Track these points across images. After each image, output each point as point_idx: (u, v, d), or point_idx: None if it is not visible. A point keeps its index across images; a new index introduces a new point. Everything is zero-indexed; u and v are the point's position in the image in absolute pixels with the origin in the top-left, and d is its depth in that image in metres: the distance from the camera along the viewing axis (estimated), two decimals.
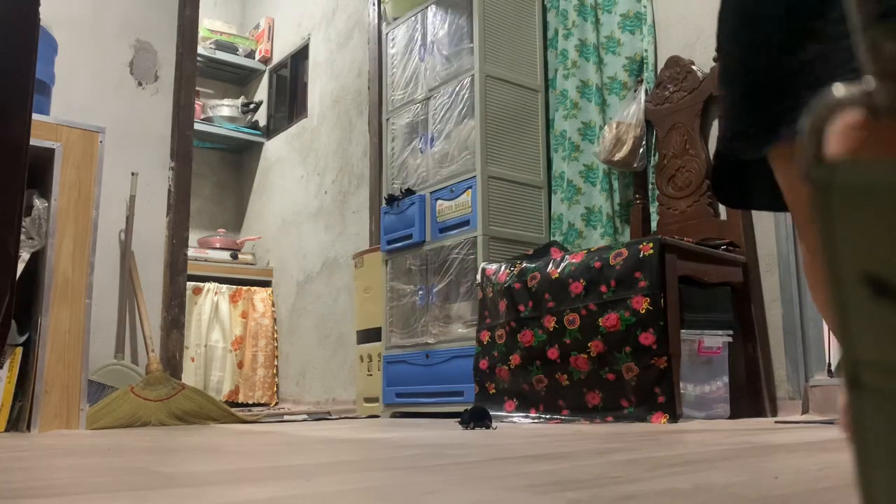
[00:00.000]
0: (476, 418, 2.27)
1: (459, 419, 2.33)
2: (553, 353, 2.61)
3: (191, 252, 4.27)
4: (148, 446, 1.76)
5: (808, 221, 0.63)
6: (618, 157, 3.10)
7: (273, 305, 5.40)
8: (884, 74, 0.29)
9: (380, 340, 3.67)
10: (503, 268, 2.91)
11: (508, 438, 1.78)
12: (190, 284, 4.38)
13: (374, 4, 4.69)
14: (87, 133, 2.76)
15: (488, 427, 2.24)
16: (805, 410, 2.58)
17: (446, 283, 3.35)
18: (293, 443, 1.82)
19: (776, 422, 2.32)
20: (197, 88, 4.26)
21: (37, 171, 2.67)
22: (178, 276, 3.59)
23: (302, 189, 5.27)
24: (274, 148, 5.74)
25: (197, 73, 4.02)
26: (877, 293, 0.28)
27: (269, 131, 5.86)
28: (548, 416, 2.61)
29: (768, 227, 2.75)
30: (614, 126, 3.14)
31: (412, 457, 1.34)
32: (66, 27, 3.38)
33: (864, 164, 0.29)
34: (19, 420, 2.49)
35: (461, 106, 3.39)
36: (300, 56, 5.60)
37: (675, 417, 2.29)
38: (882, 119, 0.30)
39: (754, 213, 2.79)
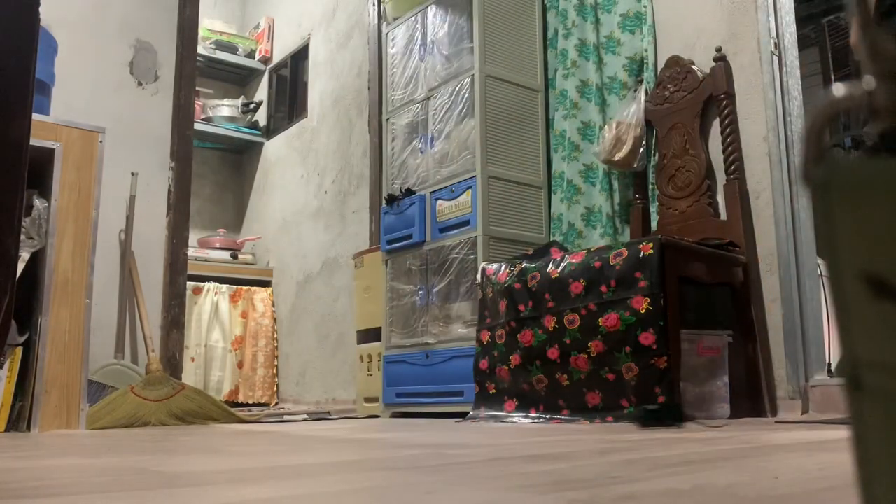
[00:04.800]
0: (656, 418, 2.14)
1: (639, 417, 2.16)
2: (553, 352, 2.61)
3: (191, 252, 4.27)
4: (148, 446, 1.76)
5: None
6: (618, 157, 3.10)
7: (273, 305, 5.40)
8: (884, 74, 0.29)
9: (380, 340, 3.66)
10: (503, 268, 2.90)
11: (508, 438, 1.78)
12: (190, 284, 4.38)
13: (374, 4, 4.69)
14: (87, 133, 2.76)
15: (673, 424, 2.10)
16: (805, 410, 2.58)
17: (446, 283, 3.35)
18: (293, 443, 1.82)
19: (776, 422, 2.32)
20: (197, 88, 4.26)
21: (37, 171, 2.67)
22: (178, 276, 3.59)
23: (302, 189, 5.27)
24: (274, 148, 5.74)
25: (197, 73, 4.02)
26: (877, 293, 0.28)
27: (269, 131, 5.86)
28: (548, 416, 2.61)
29: (768, 227, 2.75)
30: (614, 126, 3.14)
31: (412, 457, 1.34)
32: (66, 27, 3.38)
33: (864, 164, 0.29)
34: (19, 420, 2.49)
35: (461, 106, 3.39)
36: (300, 56, 5.60)
37: None
38: (882, 119, 0.30)
39: (754, 213, 2.79)
